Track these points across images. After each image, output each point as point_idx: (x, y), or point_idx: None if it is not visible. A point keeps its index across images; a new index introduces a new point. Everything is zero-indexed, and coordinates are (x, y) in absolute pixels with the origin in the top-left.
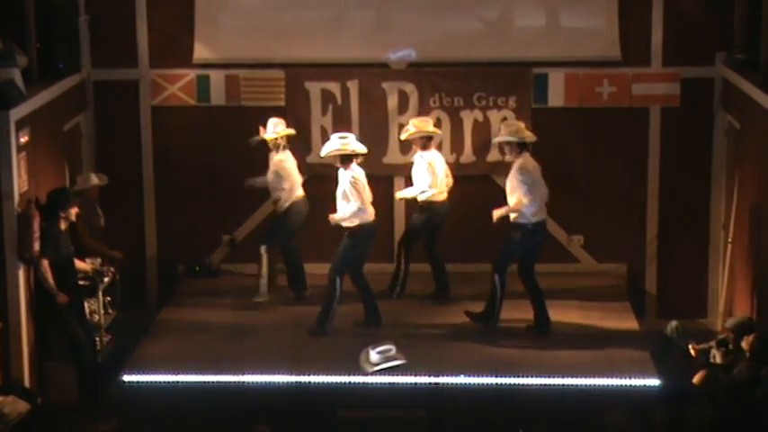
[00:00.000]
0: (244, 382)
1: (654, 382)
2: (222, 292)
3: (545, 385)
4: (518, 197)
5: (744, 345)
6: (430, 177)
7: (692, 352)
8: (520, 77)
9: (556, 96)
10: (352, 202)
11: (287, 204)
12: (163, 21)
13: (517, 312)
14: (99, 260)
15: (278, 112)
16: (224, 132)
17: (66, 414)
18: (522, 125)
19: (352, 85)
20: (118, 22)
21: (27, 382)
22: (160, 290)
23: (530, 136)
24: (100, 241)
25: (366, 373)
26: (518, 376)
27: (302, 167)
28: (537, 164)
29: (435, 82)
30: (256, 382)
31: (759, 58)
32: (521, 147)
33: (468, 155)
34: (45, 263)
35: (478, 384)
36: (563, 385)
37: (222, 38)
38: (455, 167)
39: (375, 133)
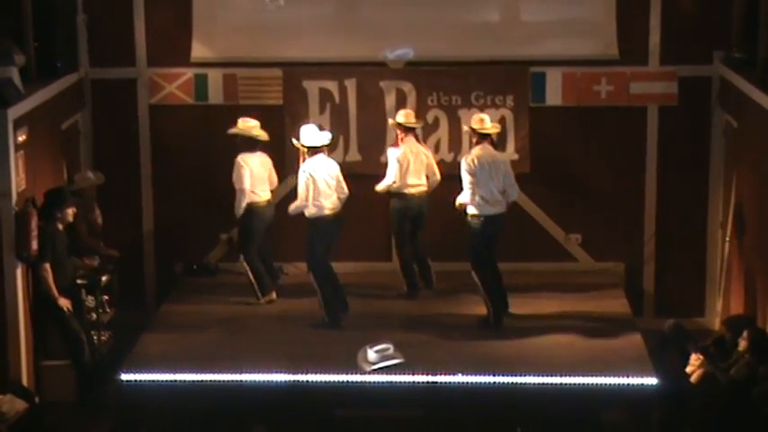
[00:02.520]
0: (241, 381)
1: (651, 380)
2: (220, 291)
3: (542, 384)
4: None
5: (741, 343)
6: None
7: (690, 350)
8: (517, 76)
9: (554, 95)
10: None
11: (242, 206)
12: (160, 19)
13: (514, 309)
14: (97, 258)
15: (276, 110)
16: (222, 131)
17: (64, 412)
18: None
19: (350, 84)
20: (116, 20)
21: (25, 381)
22: (158, 288)
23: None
24: (98, 240)
25: (364, 372)
26: (516, 375)
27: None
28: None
29: (433, 81)
30: (254, 381)
31: (756, 56)
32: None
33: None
34: (46, 266)
35: (476, 383)
36: (560, 384)
37: (220, 36)
38: (453, 166)
39: (373, 132)
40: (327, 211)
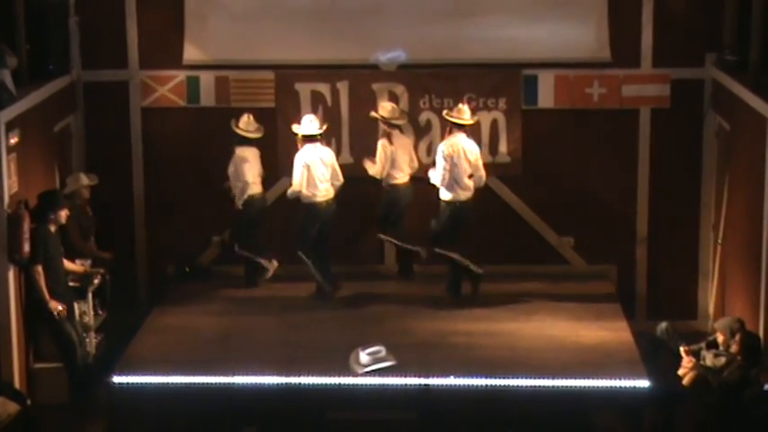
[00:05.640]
0: (233, 384)
1: (643, 383)
2: (212, 293)
3: (535, 387)
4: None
5: (733, 346)
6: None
7: (682, 353)
8: (510, 79)
9: (546, 98)
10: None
11: (242, 200)
12: (153, 22)
13: (507, 312)
14: (89, 261)
15: (268, 113)
16: (214, 134)
17: (57, 415)
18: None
19: (342, 87)
20: (108, 23)
21: (17, 383)
22: (150, 291)
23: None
24: (90, 242)
25: (356, 375)
26: (508, 377)
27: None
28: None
29: (425, 83)
30: (246, 384)
31: (748, 59)
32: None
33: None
34: (38, 268)
35: (468, 386)
36: (552, 387)
37: (212, 39)
38: None
39: (365, 134)
40: (319, 198)
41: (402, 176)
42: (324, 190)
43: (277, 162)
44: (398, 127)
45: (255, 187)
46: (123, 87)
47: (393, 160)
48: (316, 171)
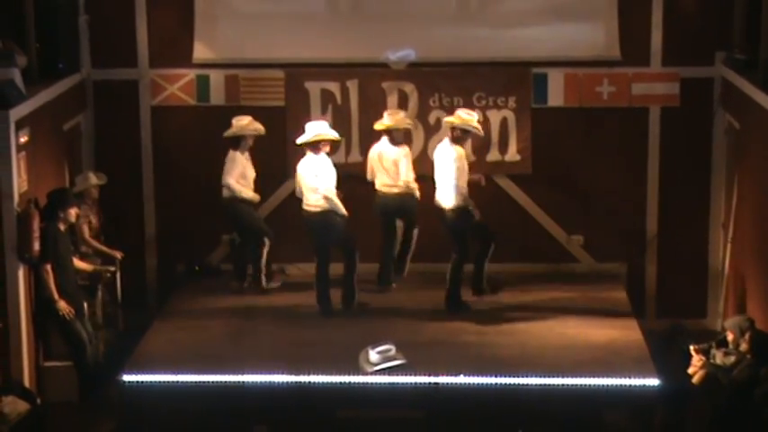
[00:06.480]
0: (243, 382)
1: (653, 381)
2: (221, 292)
3: (545, 385)
4: None
5: (743, 345)
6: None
7: (692, 352)
8: (520, 77)
9: (556, 96)
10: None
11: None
12: (162, 20)
13: (517, 311)
14: (99, 260)
15: (277, 112)
16: (223, 132)
17: (66, 413)
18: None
19: (352, 85)
20: (117, 21)
21: (27, 382)
22: (160, 289)
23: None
24: (100, 241)
25: (366, 373)
26: (518, 376)
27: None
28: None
29: (435, 82)
30: (256, 382)
31: (759, 57)
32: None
33: (468, 155)
34: (48, 267)
35: (478, 384)
36: (563, 385)
37: (222, 38)
38: None
39: (375, 133)
40: (304, 207)
41: (381, 186)
42: (312, 200)
43: (286, 161)
44: (389, 133)
45: (226, 189)
46: (133, 86)
47: (371, 166)
48: (299, 180)
